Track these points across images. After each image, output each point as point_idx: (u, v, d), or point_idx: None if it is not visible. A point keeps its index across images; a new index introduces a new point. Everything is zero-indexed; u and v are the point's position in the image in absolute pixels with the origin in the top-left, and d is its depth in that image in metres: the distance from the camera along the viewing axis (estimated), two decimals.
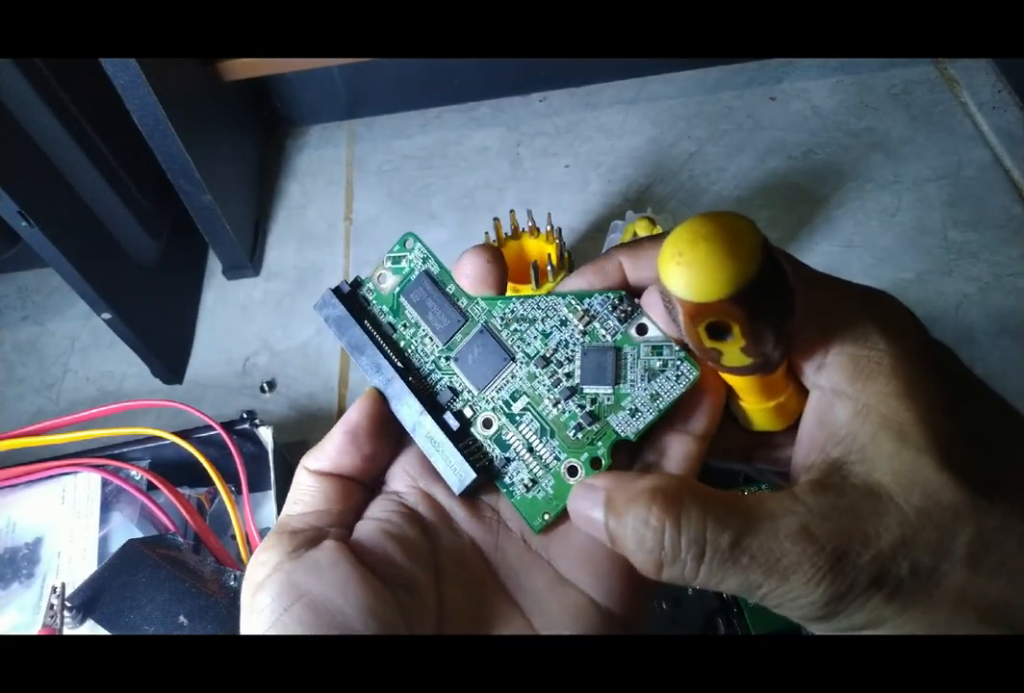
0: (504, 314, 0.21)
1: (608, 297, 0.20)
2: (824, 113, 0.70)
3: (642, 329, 0.20)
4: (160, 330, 0.59)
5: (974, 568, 0.15)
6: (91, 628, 0.42)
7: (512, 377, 0.21)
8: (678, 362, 0.19)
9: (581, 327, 0.20)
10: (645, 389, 0.19)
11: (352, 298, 0.23)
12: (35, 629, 0.42)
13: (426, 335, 0.22)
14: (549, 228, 0.53)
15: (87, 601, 0.43)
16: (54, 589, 0.43)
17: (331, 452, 0.21)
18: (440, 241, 0.65)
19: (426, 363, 0.22)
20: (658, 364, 0.19)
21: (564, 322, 0.21)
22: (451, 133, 0.73)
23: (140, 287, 0.58)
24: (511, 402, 0.21)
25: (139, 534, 0.46)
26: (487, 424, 0.21)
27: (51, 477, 0.49)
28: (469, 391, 0.22)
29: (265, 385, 0.59)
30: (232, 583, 0.43)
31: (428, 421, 0.21)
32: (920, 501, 0.16)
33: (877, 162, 0.66)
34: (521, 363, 0.21)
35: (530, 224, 0.54)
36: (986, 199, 0.62)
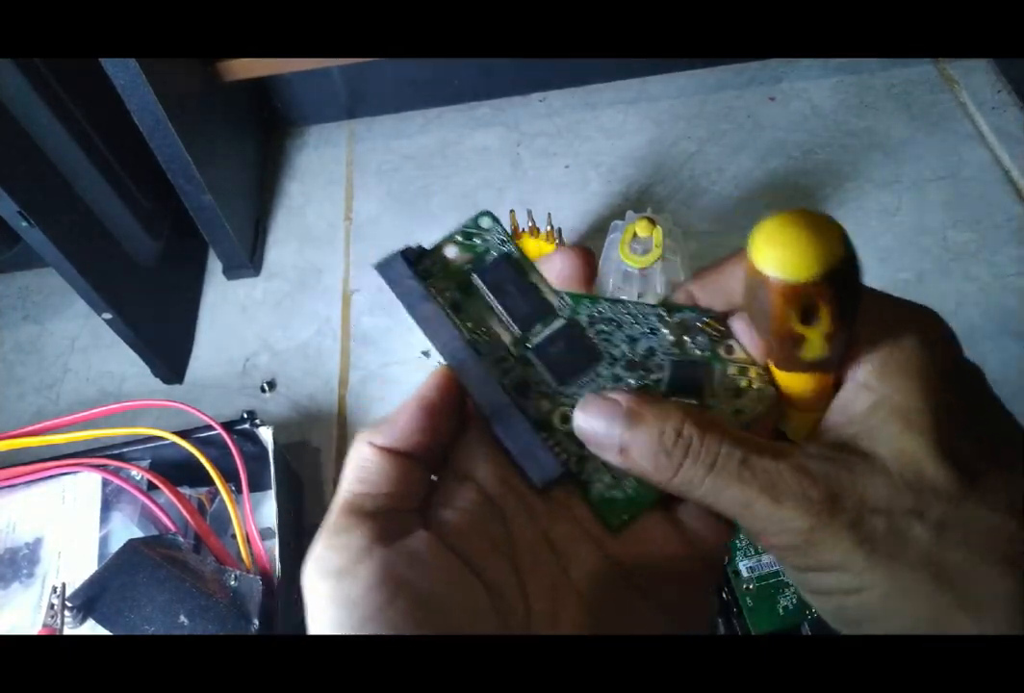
0: (592, 313, 0.21)
1: (700, 314, 0.21)
2: (824, 113, 0.70)
3: (729, 350, 0.21)
4: (160, 330, 0.59)
5: (940, 537, 0.17)
6: (91, 628, 0.42)
7: (597, 376, 0.21)
8: (761, 384, 0.21)
9: (672, 338, 0.21)
10: (728, 404, 0.21)
11: (415, 266, 0.22)
12: (35, 629, 0.42)
13: (500, 320, 0.21)
14: (549, 228, 0.54)
15: (87, 601, 0.43)
16: (54, 589, 0.44)
17: (403, 429, 0.20)
18: None
19: (499, 348, 0.21)
20: (743, 383, 0.21)
21: (654, 331, 0.21)
22: (451, 133, 0.73)
23: (140, 287, 0.58)
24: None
25: (139, 534, 0.46)
26: (564, 419, 0.21)
27: (51, 477, 0.49)
28: (547, 384, 0.21)
29: (265, 385, 0.59)
30: (232, 583, 0.43)
31: (509, 408, 0.20)
32: (910, 474, 0.18)
33: (877, 162, 0.66)
34: (607, 364, 0.21)
35: (530, 224, 0.54)
36: (985, 199, 0.62)
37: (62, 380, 0.62)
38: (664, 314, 0.21)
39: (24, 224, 0.47)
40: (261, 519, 0.48)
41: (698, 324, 0.21)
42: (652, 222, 0.53)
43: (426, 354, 0.60)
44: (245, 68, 0.62)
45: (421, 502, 0.20)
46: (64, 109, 0.52)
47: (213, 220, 0.61)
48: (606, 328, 0.21)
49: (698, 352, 0.21)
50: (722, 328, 0.21)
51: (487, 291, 0.21)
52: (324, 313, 0.63)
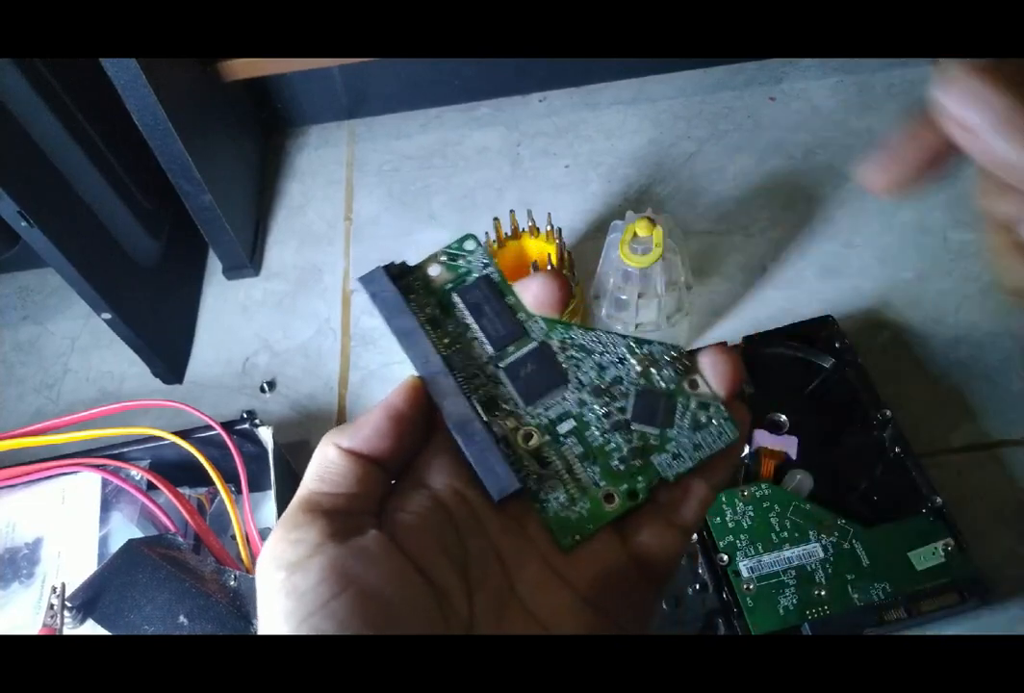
0: (563, 338, 0.22)
1: (668, 348, 0.22)
2: (824, 113, 0.70)
3: (694, 384, 0.22)
4: (160, 330, 0.59)
5: None
6: (91, 628, 0.42)
7: (563, 399, 0.22)
8: (722, 421, 0.21)
9: (639, 368, 0.22)
10: (689, 438, 0.21)
11: (398, 281, 0.23)
12: (35, 629, 0.42)
13: (475, 338, 0.22)
14: (549, 228, 0.54)
15: (87, 601, 0.43)
16: (54, 589, 0.44)
17: (368, 434, 0.21)
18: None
19: (471, 365, 0.22)
20: (704, 418, 0.21)
21: (622, 360, 0.22)
22: (451, 133, 0.73)
23: (140, 287, 0.58)
24: (557, 422, 0.22)
25: (139, 534, 0.46)
26: (527, 438, 0.22)
27: (51, 477, 0.49)
28: (514, 402, 0.22)
29: (265, 385, 0.59)
30: (232, 583, 0.43)
31: (476, 423, 0.21)
32: None
33: None
34: (574, 388, 0.22)
35: (530, 224, 0.54)
36: None
37: (62, 380, 0.62)
38: (633, 345, 0.22)
39: (24, 224, 0.47)
40: (261, 519, 0.48)
41: (666, 357, 0.22)
42: (652, 222, 0.53)
43: None
44: (245, 68, 0.62)
45: (378, 505, 0.21)
46: (64, 109, 0.52)
47: (213, 220, 0.61)
48: (576, 354, 0.22)
49: (663, 384, 0.22)
50: (688, 363, 0.22)
51: (465, 310, 0.22)
52: (324, 313, 0.63)
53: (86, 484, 0.48)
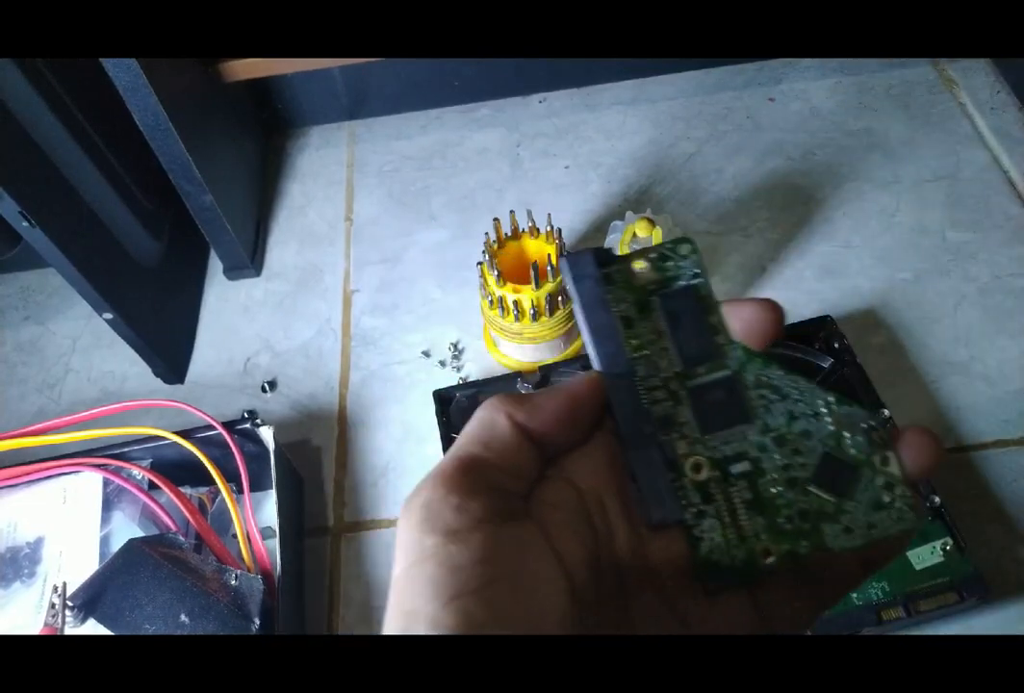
0: (760, 375, 0.20)
1: (869, 416, 0.20)
2: (823, 114, 0.70)
3: (886, 461, 0.20)
4: (161, 330, 0.59)
5: None
6: (92, 627, 0.43)
7: (744, 438, 0.20)
8: (905, 507, 0.20)
9: (832, 428, 0.20)
10: (866, 515, 0.20)
11: (601, 269, 0.21)
12: (37, 628, 0.43)
13: (665, 349, 0.21)
14: (549, 228, 0.54)
15: (89, 600, 0.43)
16: (55, 588, 0.44)
17: (546, 416, 0.19)
18: (441, 241, 0.65)
19: (654, 376, 0.21)
20: (887, 499, 0.20)
21: (816, 414, 0.20)
22: (451, 134, 0.73)
23: (141, 287, 0.58)
24: (732, 461, 0.20)
25: (141, 533, 0.46)
26: (696, 468, 0.20)
27: (53, 477, 0.49)
28: (691, 427, 0.20)
29: (266, 385, 0.59)
30: (233, 582, 0.43)
31: (650, 437, 0.20)
32: None
33: (876, 163, 0.66)
34: (758, 430, 0.20)
35: (530, 224, 0.55)
36: (985, 200, 0.63)
37: (63, 380, 0.62)
38: (832, 402, 0.20)
39: (25, 224, 0.47)
40: (262, 518, 0.48)
41: (863, 425, 0.20)
42: (651, 222, 0.53)
43: (426, 354, 0.60)
44: (246, 69, 0.62)
45: (529, 490, 0.20)
46: (66, 110, 0.52)
47: (214, 220, 0.61)
48: (769, 395, 0.20)
49: (853, 452, 0.20)
50: (886, 437, 0.20)
51: (663, 317, 0.21)
52: (325, 313, 0.63)
53: (87, 484, 0.48)
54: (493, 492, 0.18)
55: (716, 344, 0.20)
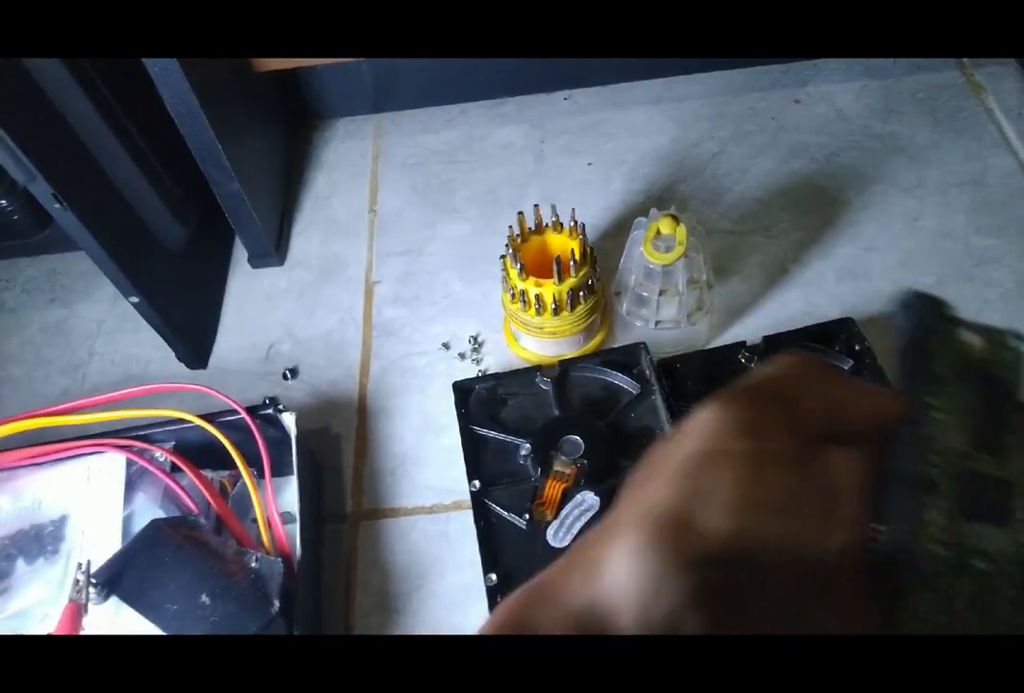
0: None
1: None
2: (848, 117, 0.70)
3: None
4: (186, 315, 0.60)
5: None
6: (115, 604, 0.43)
7: (993, 537, 0.20)
8: None
9: None
10: None
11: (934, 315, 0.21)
12: (60, 604, 0.43)
13: (964, 423, 0.20)
14: (573, 224, 0.54)
15: (111, 578, 0.43)
16: (80, 565, 0.44)
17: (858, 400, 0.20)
18: (463, 235, 0.66)
19: (938, 440, 0.20)
20: None
21: None
22: (476, 129, 0.74)
23: (168, 272, 0.59)
24: (972, 555, 0.20)
25: (162, 515, 0.47)
26: (935, 541, 0.19)
27: (77, 456, 0.50)
28: (950, 502, 0.20)
29: (287, 372, 0.59)
30: (253, 564, 0.44)
31: (918, 488, 0.19)
32: None
33: (901, 166, 0.66)
34: (1011, 536, 0.20)
35: (554, 219, 0.55)
36: (1010, 205, 0.62)
37: (88, 362, 0.63)
38: None
39: (57, 206, 0.47)
40: (281, 503, 0.48)
41: None
42: (676, 220, 0.53)
43: (446, 346, 0.60)
44: (276, 59, 0.63)
45: None
46: (100, 95, 0.53)
47: (240, 208, 0.61)
48: None
49: None
50: None
51: (977, 395, 0.20)
52: (347, 303, 0.64)
53: (111, 464, 0.49)
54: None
55: (1008, 444, 0.20)
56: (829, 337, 0.53)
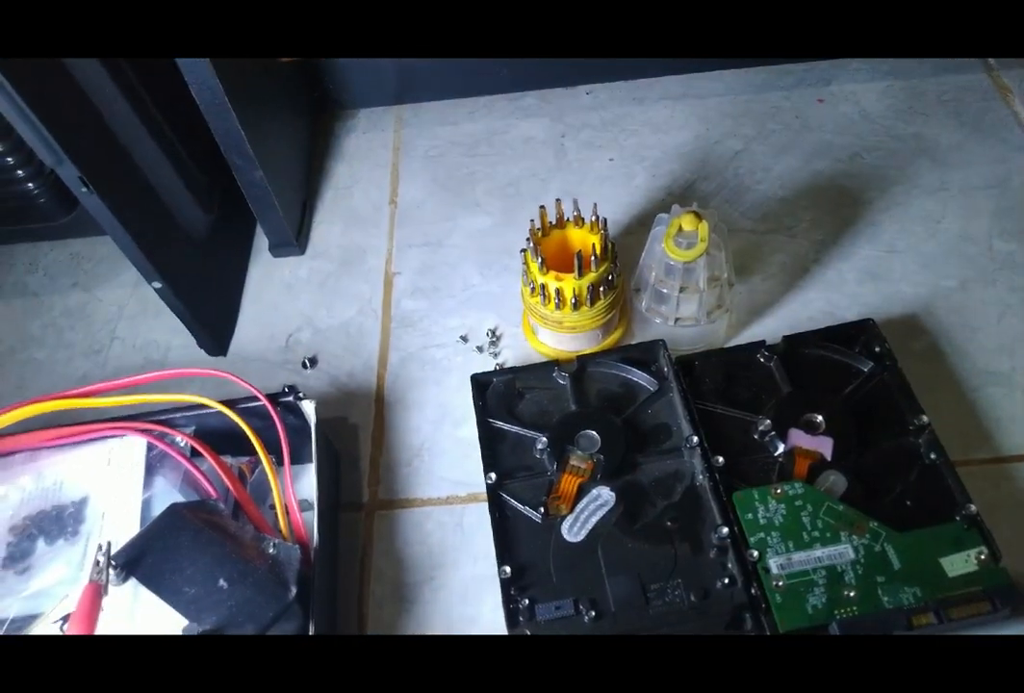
0: None
1: None
2: (872, 117, 0.70)
3: None
4: (207, 302, 0.60)
5: None
6: (133, 585, 0.44)
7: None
8: None
9: None
10: None
11: None
12: (80, 584, 0.44)
13: None
14: (594, 218, 0.54)
15: (131, 560, 0.44)
16: (100, 547, 0.45)
17: None
18: (483, 228, 0.66)
19: None
20: None
21: None
22: (498, 122, 0.74)
23: (190, 258, 0.59)
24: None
25: (181, 499, 0.47)
26: None
27: (98, 439, 0.50)
28: None
29: (307, 361, 0.60)
30: (271, 550, 0.44)
31: None
32: None
33: (924, 168, 0.66)
34: None
35: (575, 213, 0.55)
36: None
37: (109, 346, 0.63)
38: None
39: (84, 190, 0.48)
40: (301, 491, 0.49)
41: None
42: (698, 216, 0.53)
43: (464, 339, 0.60)
44: None
45: None
46: (127, 82, 0.53)
47: (263, 197, 0.62)
48: None
49: None
50: None
51: None
52: (367, 294, 0.64)
53: (132, 447, 0.49)
54: None
55: None
56: (849, 338, 0.53)
